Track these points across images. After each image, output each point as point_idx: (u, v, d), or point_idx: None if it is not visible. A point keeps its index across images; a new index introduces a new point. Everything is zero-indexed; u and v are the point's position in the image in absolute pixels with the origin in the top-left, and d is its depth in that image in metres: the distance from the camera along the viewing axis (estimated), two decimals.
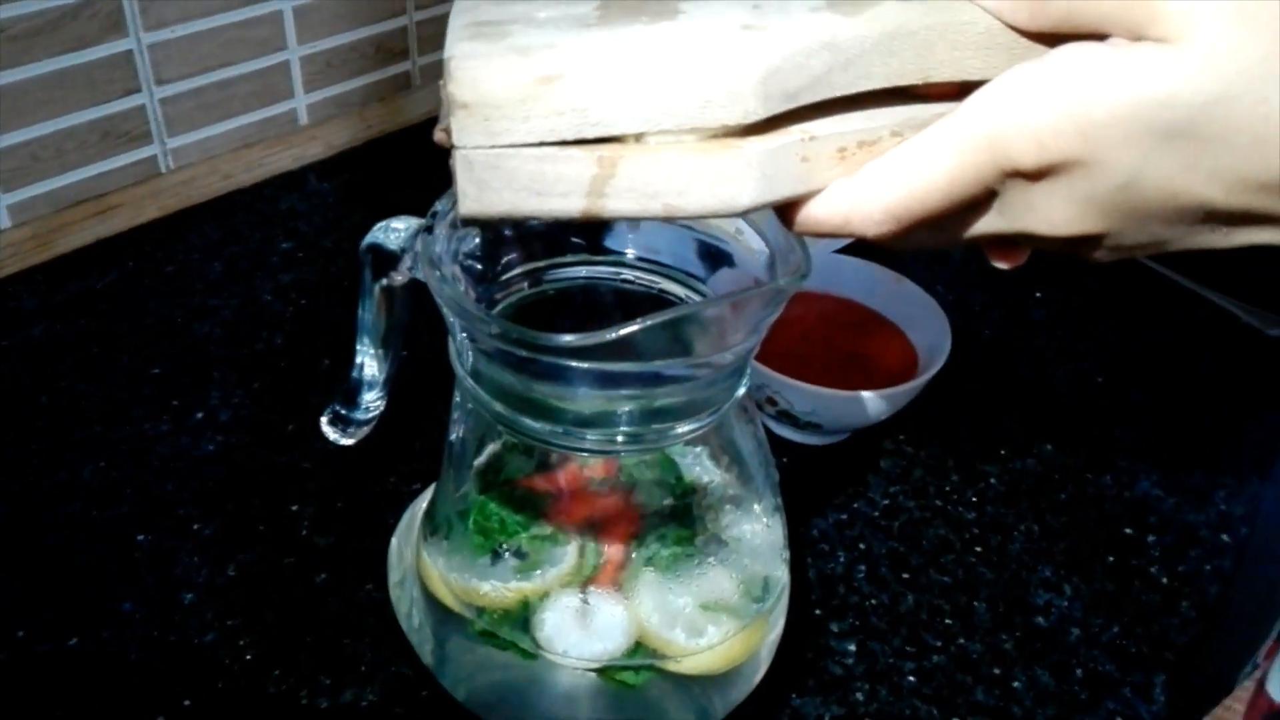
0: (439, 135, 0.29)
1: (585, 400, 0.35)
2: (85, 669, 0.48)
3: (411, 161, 0.85)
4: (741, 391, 0.38)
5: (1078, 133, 0.26)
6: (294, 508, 0.57)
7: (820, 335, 0.63)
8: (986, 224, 0.29)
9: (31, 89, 0.69)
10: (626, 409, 0.35)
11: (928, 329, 0.61)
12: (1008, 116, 0.26)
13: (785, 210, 0.30)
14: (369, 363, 0.45)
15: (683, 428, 0.36)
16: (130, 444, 0.60)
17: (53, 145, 0.72)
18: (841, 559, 0.56)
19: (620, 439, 0.36)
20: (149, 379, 0.64)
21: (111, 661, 0.49)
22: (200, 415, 0.62)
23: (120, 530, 0.55)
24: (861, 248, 0.70)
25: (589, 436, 0.36)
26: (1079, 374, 0.70)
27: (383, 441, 0.60)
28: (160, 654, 0.49)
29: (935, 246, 0.30)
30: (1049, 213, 0.28)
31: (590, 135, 0.27)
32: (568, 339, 0.31)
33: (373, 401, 0.46)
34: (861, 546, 0.57)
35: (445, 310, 0.36)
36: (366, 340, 0.44)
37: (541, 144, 0.27)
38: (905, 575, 0.56)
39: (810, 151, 0.28)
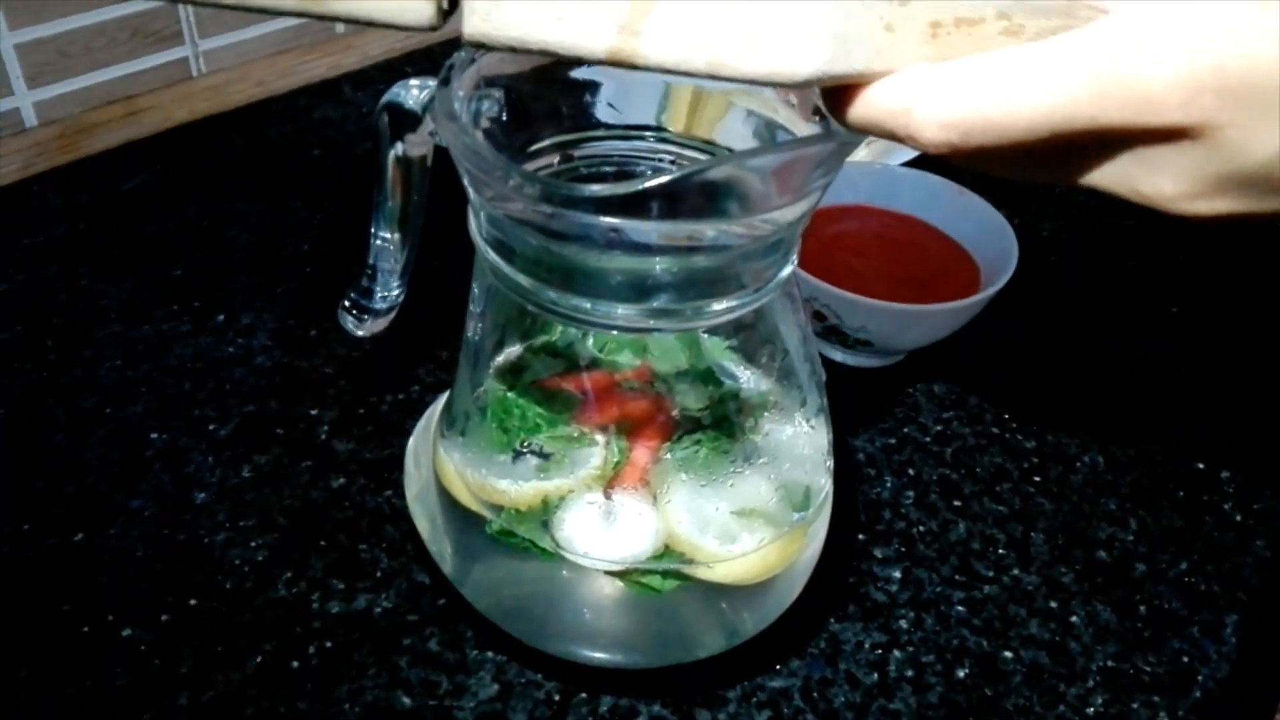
0: None
1: (614, 266, 0.31)
2: (90, 564, 0.46)
3: None
4: (787, 272, 0.34)
5: (1225, 92, 0.21)
6: (313, 412, 0.54)
7: (875, 251, 0.59)
8: (1077, 172, 0.24)
9: None
10: (659, 279, 0.32)
11: (991, 246, 0.57)
12: (1152, 59, 0.21)
13: (837, 96, 0.25)
14: (385, 247, 0.42)
15: (720, 304, 0.33)
16: (148, 343, 0.58)
17: (81, 41, 0.70)
18: (889, 484, 0.53)
19: (653, 314, 0.32)
20: (171, 281, 0.62)
21: (117, 558, 0.47)
22: (221, 317, 0.60)
23: (133, 428, 0.53)
24: (924, 160, 0.66)
25: (619, 310, 0.32)
26: (1151, 304, 0.65)
27: (407, 349, 0.58)
28: (168, 552, 0.47)
29: (997, 175, 0.25)
30: (1164, 182, 0.23)
31: None
32: (594, 189, 0.28)
33: (389, 290, 0.43)
34: (910, 472, 0.54)
35: (463, 170, 0.33)
36: (382, 221, 0.41)
37: None
38: (957, 503, 0.52)
39: (897, 17, 0.23)
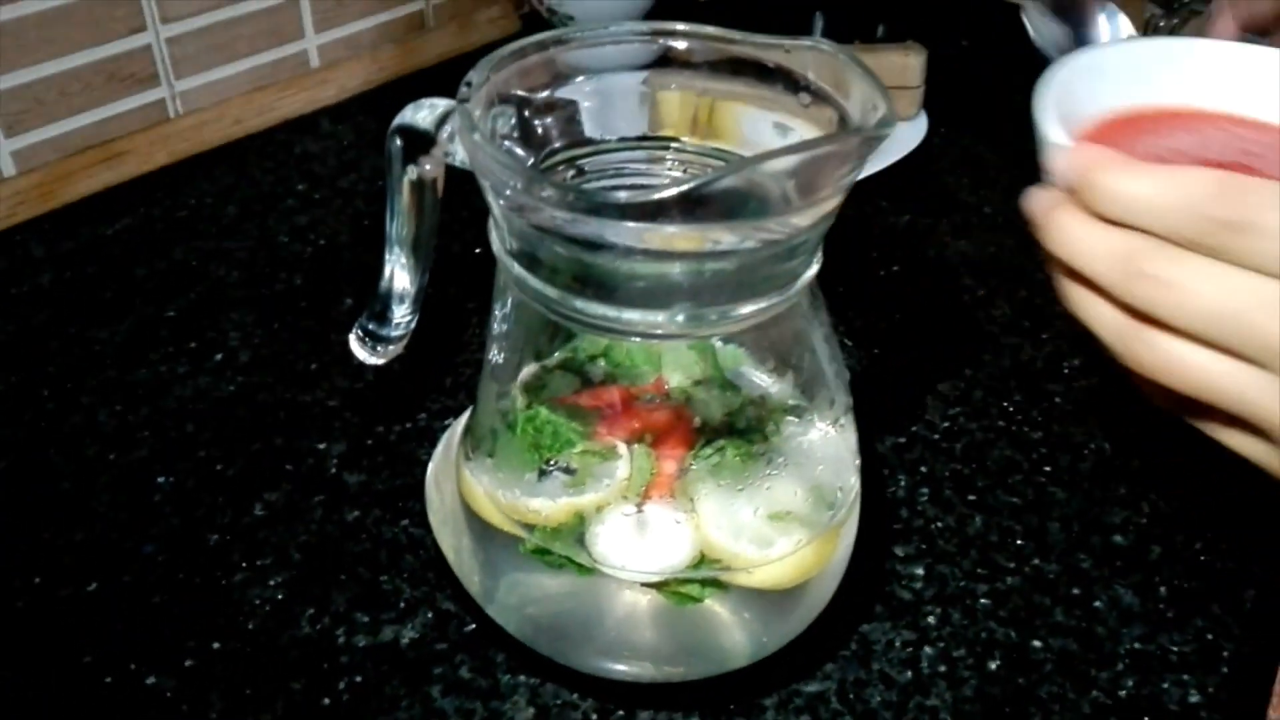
0: None
1: (638, 271, 0.31)
2: (107, 613, 0.46)
3: None
4: (813, 271, 0.34)
5: None
6: (321, 446, 0.54)
7: None
8: None
9: (32, 27, 0.66)
10: (684, 284, 0.32)
11: None
12: None
13: None
14: (399, 273, 0.41)
15: (746, 308, 0.33)
16: (146, 386, 0.57)
17: (56, 87, 0.69)
18: (902, 482, 0.53)
19: (681, 319, 0.32)
20: (164, 322, 0.61)
21: (134, 605, 0.46)
22: (219, 356, 0.59)
23: (139, 473, 0.52)
24: None
25: (645, 318, 0.32)
26: None
27: (413, 377, 0.57)
28: (186, 596, 0.46)
29: None
30: None
31: None
32: (621, 195, 0.28)
33: (403, 316, 0.42)
34: (923, 469, 0.54)
35: (486, 184, 0.33)
36: (395, 247, 0.41)
37: None
38: (971, 497, 0.52)
39: None
